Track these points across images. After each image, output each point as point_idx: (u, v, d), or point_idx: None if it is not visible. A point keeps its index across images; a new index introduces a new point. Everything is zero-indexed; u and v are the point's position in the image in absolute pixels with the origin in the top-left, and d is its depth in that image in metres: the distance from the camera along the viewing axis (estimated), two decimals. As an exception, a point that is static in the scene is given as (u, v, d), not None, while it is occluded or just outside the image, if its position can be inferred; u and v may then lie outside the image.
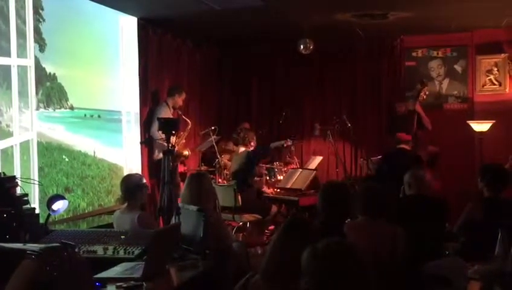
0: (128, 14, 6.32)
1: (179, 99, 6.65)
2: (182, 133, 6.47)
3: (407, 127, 7.08)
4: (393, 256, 3.34)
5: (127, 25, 6.39)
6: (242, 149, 6.46)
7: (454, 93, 7.84)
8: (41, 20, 4.95)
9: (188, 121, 6.63)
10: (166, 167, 4.95)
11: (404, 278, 3.31)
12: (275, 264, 2.25)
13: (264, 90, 8.55)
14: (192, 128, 7.21)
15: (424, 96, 6.83)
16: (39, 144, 4.88)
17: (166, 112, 6.42)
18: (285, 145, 7.13)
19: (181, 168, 7.12)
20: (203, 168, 6.97)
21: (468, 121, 7.26)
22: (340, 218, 3.32)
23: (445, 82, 7.88)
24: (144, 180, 4.17)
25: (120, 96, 6.27)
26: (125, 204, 4.00)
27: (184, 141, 6.74)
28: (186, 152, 6.72)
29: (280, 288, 2.21)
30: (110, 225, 4.24)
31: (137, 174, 4.74)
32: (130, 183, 3.99)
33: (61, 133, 5.22)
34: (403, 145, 6.11)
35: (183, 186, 4.00)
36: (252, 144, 6.50)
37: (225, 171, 6.99)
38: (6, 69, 4.57)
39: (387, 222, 3.50)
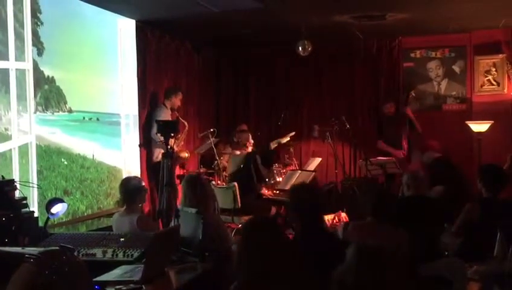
0: (126, 16, 6.32)
1: (176, 100, 6.61)
2: (179, 135, 6.46)
3: (398, 130, 7.15)
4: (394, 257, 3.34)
5: (125, 28, 6.39)
6: (239, 152, 6.44)
7: (452, 94, 7.84)
8: (39, 23, 4.95)
9: (185, 123, 6.61)
10: (165, 169, 4.95)
11: (404, 279, 3.31)
12: (237, 265, 2.27)
13: (262, 91, 8.54)
14: (191, 130, 7.20)
15: (412, 99, 7.02)
16: (38, 147, 4.88)
17: (165, 114, 6.40)
18: (282, 141, 7.08)
19: (180, 171, 7.11)
20: (202, 170, 6.95)
21: (466, 122, 7.26)
22: (312, 219, 3.34)
23: (444, 83, 7.88)
24: (143, 183, 4.17)
25: (119, 98, 6.27)
26: (124, 207, 4.00)
27: (182, 143, 6.74)
28: (185, 154, 6.71)
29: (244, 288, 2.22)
30: (109, 228, 4.24)
31: (136, 177, 4.74)
32: (129, 186, 4.00)
33: (60, 136, 5.22)
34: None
35: (180, 188, 3.99)
36: (248, 145, 6.48)
37: (224, 173, 6.98)
38: (5, 72, 4.57)
39: (393, 224, 3.52)
